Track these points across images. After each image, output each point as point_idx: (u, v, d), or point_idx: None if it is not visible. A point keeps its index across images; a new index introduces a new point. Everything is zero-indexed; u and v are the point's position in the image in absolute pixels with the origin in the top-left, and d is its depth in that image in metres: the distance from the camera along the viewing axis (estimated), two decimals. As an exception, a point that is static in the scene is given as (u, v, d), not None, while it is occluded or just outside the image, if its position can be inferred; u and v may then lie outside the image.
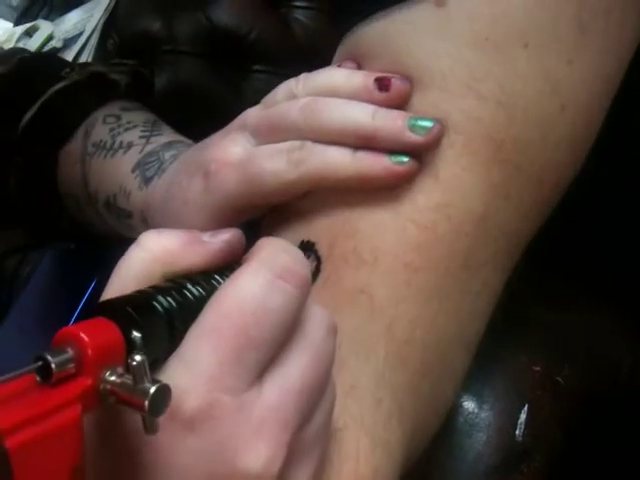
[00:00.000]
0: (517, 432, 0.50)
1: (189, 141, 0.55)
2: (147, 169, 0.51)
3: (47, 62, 0.70)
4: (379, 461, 0.37)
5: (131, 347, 0.27)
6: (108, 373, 0.26)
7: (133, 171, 0.52)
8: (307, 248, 0.41)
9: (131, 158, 0.53)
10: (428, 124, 0.40)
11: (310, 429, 0.31)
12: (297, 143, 0.41)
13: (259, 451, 0.28)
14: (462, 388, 0.45)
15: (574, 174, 0.44)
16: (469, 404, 0.50)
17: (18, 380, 0.25)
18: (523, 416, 0.50)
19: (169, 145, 0.53)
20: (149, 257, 0.31)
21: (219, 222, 0.43)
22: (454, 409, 0.48)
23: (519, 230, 0.43)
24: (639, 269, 0.59)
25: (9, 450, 0.22)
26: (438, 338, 0.40)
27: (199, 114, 0.81)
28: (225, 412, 0.28)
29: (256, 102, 0.46)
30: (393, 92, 0.41)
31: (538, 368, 0.52)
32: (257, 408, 0.29)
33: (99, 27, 1.02)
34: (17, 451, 0.23)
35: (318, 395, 0.32)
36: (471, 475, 0.49)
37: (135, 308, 0.28)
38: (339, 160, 0.41)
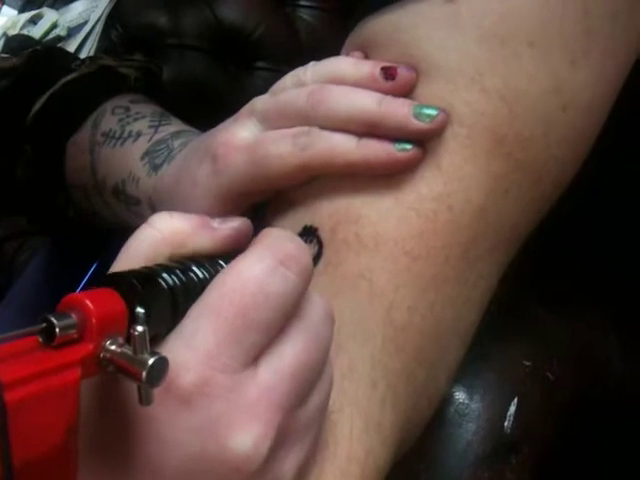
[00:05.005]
0: (506, 424, 0.50)
1: (197, 131, 0.55)
2: (156, 157, 0.52)
3: (58, 55, 0.71)
4: (372, 443, 0.38)
5: (133, 319, 0.27)
6: (109, 342, 0.27)
7: (142, 159, 0.53)
8: (310, 233, 0.42)
9: (140, 146, 0.54)
10: (433, 112, 0.40)
11: (304, 412, 0.32)
12: (304, 128, 0.42)
13: (250, 431, 0.29)
14: (454, 378, 0.45)
15: (574, 172, 0.45)
16: (460, 394, 0.51)
17: (21, 340, 0.25)
18: (512, 408, 0.51)
19: (178, 134, 0.54)
20: (159, 237, 0.32)
21: (226, 205, 0.44)
22: (445, 399, 0.49)
23: (517, 224, 0.44)
24: (634, 273, 0.59)
25: (8, 403, 0.23)
26: (434, 326, 0.41)
27: (201, 108, 0.81)
28: (219, 390, 0.28)
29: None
30: (399, 81, 0.42)
31: (528, 363, 0.52)
32: (251, 388, 0.29)
33: (103, 17, 1.02)
34: (15, 405, 0.23)
35: (313, 379, 0.32)
36: (460, 464, 0.49)
37: (140, 282, 0.28)
38: (344, 145, 0.41)
